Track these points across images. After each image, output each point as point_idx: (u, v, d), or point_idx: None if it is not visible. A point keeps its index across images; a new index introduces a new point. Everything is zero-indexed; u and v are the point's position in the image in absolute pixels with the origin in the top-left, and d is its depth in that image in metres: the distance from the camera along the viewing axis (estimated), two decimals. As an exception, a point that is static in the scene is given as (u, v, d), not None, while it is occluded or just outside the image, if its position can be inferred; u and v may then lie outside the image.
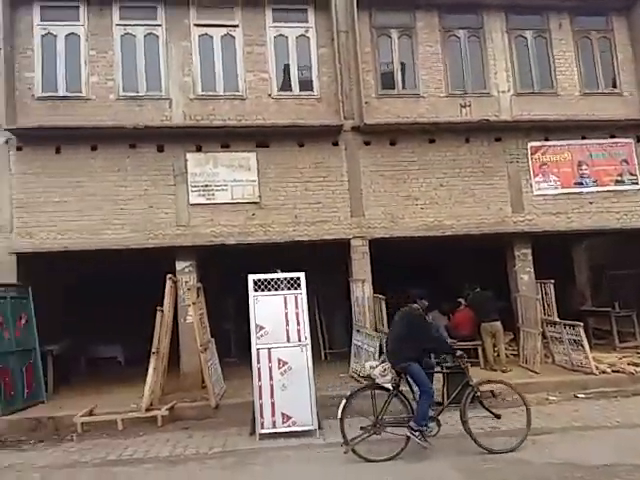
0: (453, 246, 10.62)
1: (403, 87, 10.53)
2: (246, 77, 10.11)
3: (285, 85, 10.32)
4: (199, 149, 9.82)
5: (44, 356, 9.14)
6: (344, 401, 5.53)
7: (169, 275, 8.80)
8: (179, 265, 9.53)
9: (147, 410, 7.55)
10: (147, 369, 7.96)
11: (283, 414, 6.48)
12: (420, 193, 10.13)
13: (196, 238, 9.58)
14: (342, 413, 5.48)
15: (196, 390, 8.80)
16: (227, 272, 10.83)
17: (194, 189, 9.74)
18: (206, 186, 9.76)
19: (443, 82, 10.51)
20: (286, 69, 10.41)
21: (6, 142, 9.53)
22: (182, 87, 9.94)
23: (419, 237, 10.01)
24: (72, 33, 9.91)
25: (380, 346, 8.57)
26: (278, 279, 7.00)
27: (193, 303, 8.27)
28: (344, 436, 5.45)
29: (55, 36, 9.88)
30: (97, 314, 10.96)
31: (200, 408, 7.88)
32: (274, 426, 6.46)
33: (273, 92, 10.16)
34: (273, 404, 6.49)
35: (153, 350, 7.97)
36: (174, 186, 9.72)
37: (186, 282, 9.37)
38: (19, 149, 9.54)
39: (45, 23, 9.89)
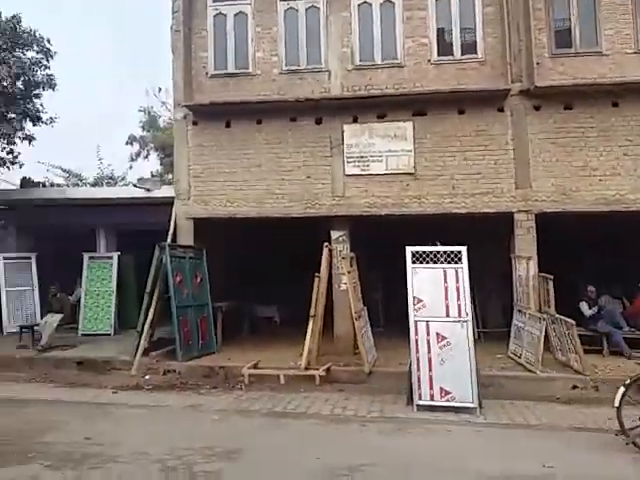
0: (637, 223, 9.35)
1: (581, 45, 9.37)
2: (405, 43, 9.83)
3: (446, 50, 9.84)
4: (355, 120, 9.87)
5: (215, 312, 10.13)
6: (622, 389, 5.18)
7: (326, 244, 9.09)
8: (334, 234, 9.77)
9: (305, 369, 7.98)
10: (300, 330, 8.44)
11: (441, 388, 6.37)
12: (599, 163, 9.06)
13: (350, 208, 9.73)
14: (620, 401, 5.12)
15: (348, 355, 9.06)
16: (378, 243, 10.88)
17: (349, 160, 9.85)
18: (361, 157, 9.80)
19: (632, 37, 9.16)
20: (447, 33, 9.91)
21: (184, 117, 10.51)
22: (341, 58, 10.00)
23: (596, 212, 8.99)
24: (240, 12, 10.46)
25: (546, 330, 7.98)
26: (437, 252, 6.81)
27: (348, 272, 8.46)
28: (621, 425, 5.10)
29: (225, 15, 10.52)
30: (259, 277, 11.79)
31: (354, 373, 8.11)
32: (432, 399, 6.39)
33: (433, 57, 9.76)
34: (431, 377, 6.40)
35: (311, 314, 8.35)
36: (330, 157, 9.92)
37: (340, 251, 9.60)
38: (195, 124, 10.45)
39: (217, 4, 10.56)
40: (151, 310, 9.25)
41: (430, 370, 6.43)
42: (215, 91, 10.34)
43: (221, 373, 8.38)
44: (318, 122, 9.99)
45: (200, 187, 10.35)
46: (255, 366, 8.29)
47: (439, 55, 9.78)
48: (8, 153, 12.86)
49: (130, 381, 8.18)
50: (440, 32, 9.92)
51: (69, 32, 37.69)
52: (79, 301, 11.79)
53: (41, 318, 11.05)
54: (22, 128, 12.84)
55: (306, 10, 10.23)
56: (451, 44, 9.83)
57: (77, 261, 11.99)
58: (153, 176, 19.36)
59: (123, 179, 20.76)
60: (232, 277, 11.62)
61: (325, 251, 8.92)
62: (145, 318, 9.22)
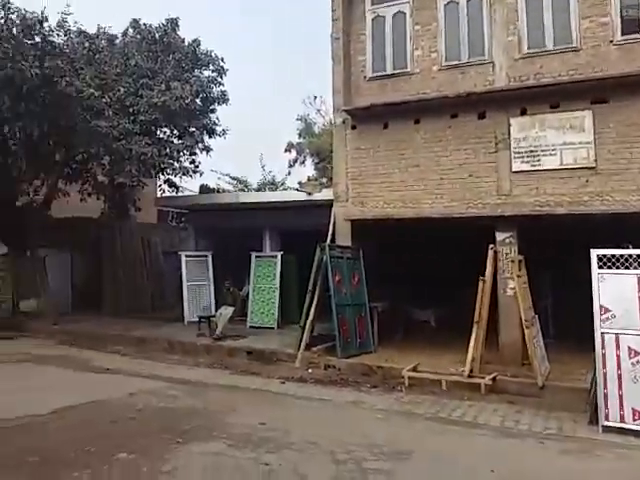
0: None
1: None
2: (581, 25, 8.90)
3: (631, 27, 8.67)
4: (523, 112, 9.19)
5: (371, 312, 10.20)
6: None
7: (491, 245, 8.61)
8: (499, 236, 9.17)
9: (469, 376, 7.62)
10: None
11: (634, 410, 5.60)
12: None
13: (518, 208, 9.06)
14: None
15: (515, 366, 8.43)
16: (545, 244, 10.03)
17: (517, 156, 9.20)
18: (531, 152, 9.09)
19: None
20: (631, 8, 8.73)
21: (343, 122, 10.78)
22: (506, 48, 9.41)
23: None
24: (399, 12, 10.42)
25: None
26: (630, 256, 5.99)
27: (518, 276, 7.90)
28: None
29: (383, 17, 10.56)
30: (415, 279, 11.62)
31: (523, 385, 7.53)
32: (622, 420, 5.65)
33: (615, 37, 8.68)
34: (621, 396, 5.67)
35: (475, 319, 7.97)
36: (495, 154, 9.37)
37: (506, 254, 8.99)
38: (353, 127, 10.66)
39: (375, 7, 10.65)
40: (312, 307, 9.64)
41: (620, 388, 5.69)
42: (373, 94, 10.45)
43: (379, 373, 8.40)
44: (481, 117, 9.52)
45: (357, 189, 10.53)
46: (414, 369, 8.14)
47: (623, 34, 8.67)
48: (191, 163, 14.53)
49: (295, 373, 8.61)
50: (623, 8, 8.79)
51: (231, 44, 41.37)
52: (248, 296, 12.79)
53: (216, 310, 12.20)
54: (202, 140, 14.42)
55: (467, 2, 9.82)
56: (637, 20, 8.65)
57: (246, 259, 13.02)
58: (309, 180, 20.29)
59: (283, 184, 22.14)
60: (387, 278, 11.60)
61: (490, 253, 8.45)
62: (307, 314, 9.64)
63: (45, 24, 11.94)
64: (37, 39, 11.73)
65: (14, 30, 11.57)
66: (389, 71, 10.41)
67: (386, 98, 10.19)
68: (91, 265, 15.83)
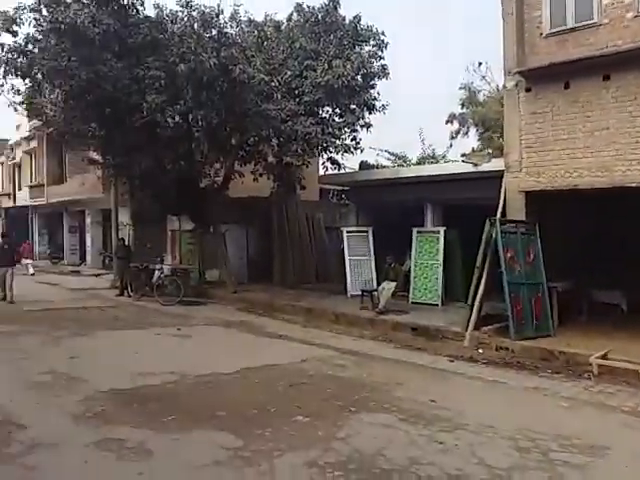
0: None
1: None
2: None
3: None
4: None
5: (549, 292, 9.34)
6: None
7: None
8: None
9: (674, 369, 6.57)
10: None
11: None
12: None
13: None
14: None
15: None
16: None
17: None
18: None
19: None
20: None
21: (516, 85, 9.87)
22: None
23: None
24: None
25: None
26: None
27: None
28: None
29: (561, -36, 9.35)
30: (600, 257, 10.35)
31: None
32: None
33: None
34: None
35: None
36: None
37: None
38: (527, 90, 9.70)
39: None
40: (481, 285, 9.15)
41: None
42: (551, 52, 9.37)
43: (561, 358, 7.66)
44: (689, 67, 7.97)
45: (533, 158, 9.62)
46: (604, 356, 7.27)
47: None
48: (352, 140, 14.71)
49: (463, 352, 8.28)
50: None
51: (389, 14, 40.68)
52: (409, 271, 12.65)
53: (377, 285, 12.29)
54: (362, 117, 14.47)
55: None
56: None
57: (407, 234, 12.85)
58: (474, 151, 19.25)
59: (444, 157, 21.33)
60: (568, 256, 10.50)
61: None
62: (475, 292, 9.18)
63: (220, 17, 12.93)
64: (214, 32, 12.75)
65: (195, 26, 12.73)
66: (570, 25, 9.22)
67: (566, 55, 9.07)
68: (263, 240, 17.14)
